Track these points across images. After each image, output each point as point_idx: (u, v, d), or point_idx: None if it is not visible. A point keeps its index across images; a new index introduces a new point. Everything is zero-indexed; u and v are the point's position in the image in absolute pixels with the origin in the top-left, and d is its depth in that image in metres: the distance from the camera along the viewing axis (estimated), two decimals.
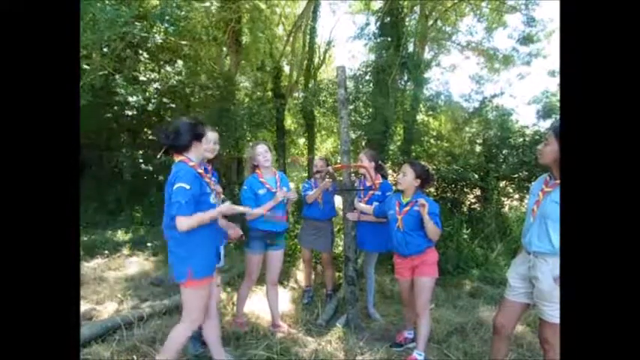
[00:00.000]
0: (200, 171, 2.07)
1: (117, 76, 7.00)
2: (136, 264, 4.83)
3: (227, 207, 2.11)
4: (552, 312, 1.92)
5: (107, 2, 5.29)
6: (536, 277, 1.97)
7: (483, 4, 9.51)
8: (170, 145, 2.06)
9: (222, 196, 2.54)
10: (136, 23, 6.28)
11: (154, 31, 7.19)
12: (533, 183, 2.23)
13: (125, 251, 5.31)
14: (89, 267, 4.55)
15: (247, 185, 2.88)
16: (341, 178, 3.45)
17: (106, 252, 5.20)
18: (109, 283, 4.02)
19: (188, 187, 1.93)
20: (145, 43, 7.70)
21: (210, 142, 2.50)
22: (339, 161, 3.69)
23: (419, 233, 2.66)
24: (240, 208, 2.23)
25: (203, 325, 2.28)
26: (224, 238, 2.54)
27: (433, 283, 2.73)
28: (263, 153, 2.88)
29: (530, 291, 2.06)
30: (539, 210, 1.98)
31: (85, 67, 6.35)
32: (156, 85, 6.82)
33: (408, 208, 2.69)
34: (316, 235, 3.67)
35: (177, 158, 2.07)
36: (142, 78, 6.91)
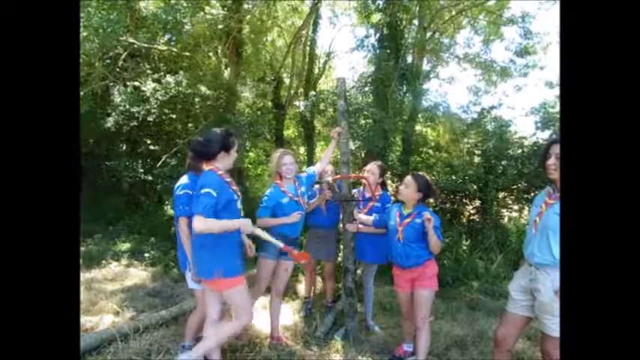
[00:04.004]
0: (228, 180, 2.23)
1: (118, 86, 7.04)
2: (134, 274, 4.79)
3: (246, 224, 2.20)
4: (554, 325, 1.90)
5: (106, 9, 5.34)
6: (538, 289, 1.96)
7: (481, 16, 9.65)
8: (198, 153, 2.22)
9: None
10: (138, 32, 6.36)
11: (156, 40, 7.27)
12: (534, 195, 2.23)
13: (123, 261, 5.27)
14: (86, 277, 4.50)
15: (269, 195, 2.90)
16: (338, 190, 3.43)
17: (104, 262, 5.16)
18: (106, 293, 3.97)
19: (215, 194, 2.09)
20: (147, 53, 7.77)
21: None
22: (337, 172, 3.69)
23: (419, 245, 2.64)
24: (258, 231, 2.31)
25: (208, 328, 2.35)
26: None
27: (433, 296, 2.71)
28: (288, 164, 2.91)
29: (532, 304, 2.04)
30: (542, 222, 1.98)
31: (87, 77, 6.41)
32: (157, 95, 6.85)
33: (409, 219, 2.67)
34: (320, 243, 3.63)
35: (206, 167, 2.22)
36: (143, 88, 6.95)
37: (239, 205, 2.29)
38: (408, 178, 2.74)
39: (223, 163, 2.25)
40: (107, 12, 5.36)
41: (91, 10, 5.26)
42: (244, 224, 2.18)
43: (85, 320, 3.21)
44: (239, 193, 2.33)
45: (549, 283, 1.91)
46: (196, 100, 7.50)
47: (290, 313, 3.70)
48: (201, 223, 2.04)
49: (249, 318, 2.31)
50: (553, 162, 1.94)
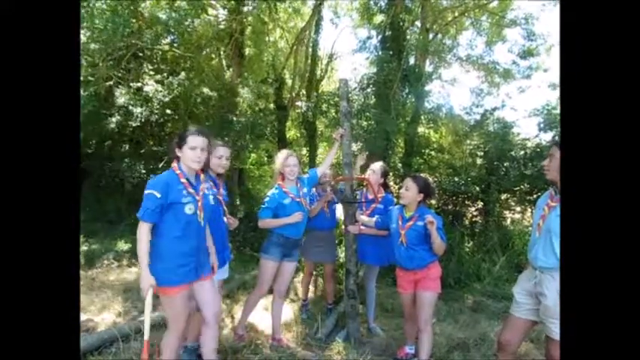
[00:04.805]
0: (183, 180, 2.08)
1: (121, 87, 7.08)
2: (135, 275, 4.78)
3: (146, 280, 1.95)
4: (559, 329, 1.88)
5: (111, 11, 5.37)
6: (543, 293, 1.94)
7: (483, 17, 9.63)
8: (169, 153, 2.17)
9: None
10: (142, 33, 6.38)
11: (159, 42, 7.30)
12: (536, 197, 2.22)
13: (125, 261, 5.27)
14: (88, 277, 4.51)
15: (271, 196, 2.89)
16: (341, 190, 3.43)
17: (106, 262, 5.17)
18: (107, 293, 3.98)
19: (158, 195, 1.98)
20: (151, 53, 7.80)
21: (223, 157, 2.56)
22: (340, 173, 3.68)
23: (423, 247, 2.62)
24: (147, 301, 2.00)
25: (201, 336, 2.28)
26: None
27: (436, 298, 2.69)
28: (291, 166, 2.90)
29: (536, 308, 2.02)
30: (545, 225, 1.96)
31: (90, 78, 6.44)
32: (159, 96, 6.88)
33: (411, 222, 2.65)
34: (321, 246, 3.61)
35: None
36: (146, 89, 6.97)
37: (190, 209, 2.06)
38: (409, 181, 2.71)
39: (184, 162, 2.10)
40: (112, 13, 5.39)
41: (97, 11, 5.29)
42: (143, 277, 1.95)
43: (86, 320, 3.22)
44: (197, 197, 2.11)
45: (554, 286, 1.89)
46: (198, 100, 7.52)
47: (291, 315, 3.70)
48: (138, 229, 1.97)
49: (178, 331, 2.11)
50: (547, 163, 1.96)
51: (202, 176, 2.24)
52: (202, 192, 2.17)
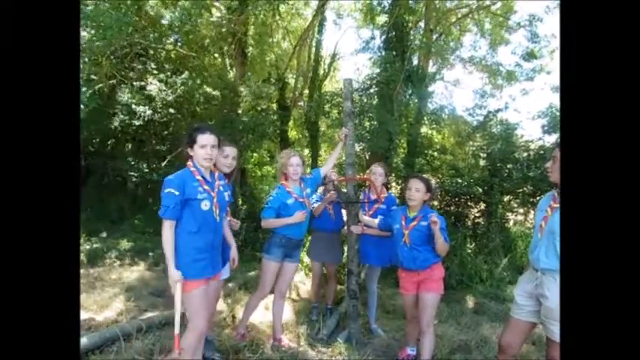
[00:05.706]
0: (198, 177, 2.14)
1: (124, 85, 7.10)
2: (137, 273, 4.80)
3: (174, 275, 2.02)
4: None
5: (115, 8, 5.39)
6: (544, 295, 1.93)
7: (487, 19, 9.61)
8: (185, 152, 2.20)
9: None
10: (146, 32, 6.40)
11: (162, 41, 7.33)
12: (539, 199, 2.21)
13: (127, 260, 5.29)
14: (90, 275, 4.53)
15: (274, 196, 2.89)
16: (345, 190, 3.42)
17: (108, 260, 5.18)
18: (109, 292, 3.99)
19: (177, 192, 2.04)
20: (155, 53, 7.82)
21: (229, 157, 2.55)
22: (343, 174, 3.67)
23: (426, 248, 2.61)
24: (176, 299, 2.07)
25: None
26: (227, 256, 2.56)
27: (438, 299, 2.68)
28: (294, 166, 2.89)
29: (537, 310, 2.01)
30: (547, 226, 1.96)
31: (94, 77, 6.46)
32: (163, 95, 6.90)
33: (415, 223, 2.64)
34: (327, 247, 3.60)
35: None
36: (149, 88, 7.00)
37: (205, 206, 2.12)
38: (417, 182, 2.66)
39: (196, 160, 2.16)
40: (117, 11, 5.41)
41: (102, 8, 5.31)
42: (171, 272, 2.01)
43: (88, 319, 3.22)
44: (213, 194, 2.17)
45: (556, 288, 1.88)
46: (201, 100, 7.53)
47: (292, 315, 3.69)
48: (163, 228, 2.03)
49: (201, 327, 2.12)
50: (549, 165, 1.96)
51: (217, 173, 2.28)
52: (217, 188, 2.22)
